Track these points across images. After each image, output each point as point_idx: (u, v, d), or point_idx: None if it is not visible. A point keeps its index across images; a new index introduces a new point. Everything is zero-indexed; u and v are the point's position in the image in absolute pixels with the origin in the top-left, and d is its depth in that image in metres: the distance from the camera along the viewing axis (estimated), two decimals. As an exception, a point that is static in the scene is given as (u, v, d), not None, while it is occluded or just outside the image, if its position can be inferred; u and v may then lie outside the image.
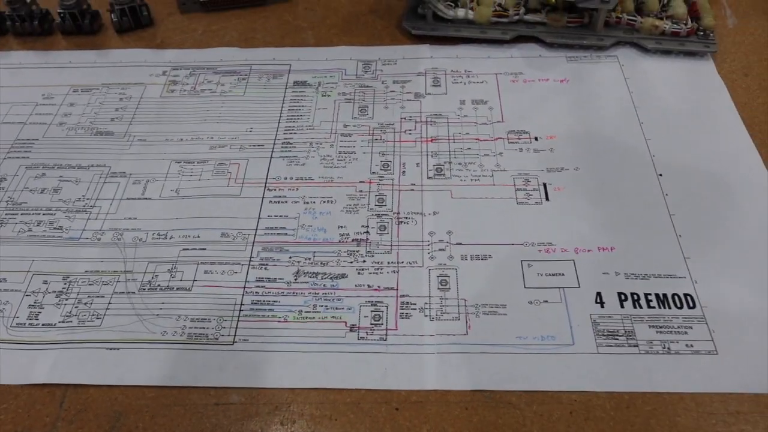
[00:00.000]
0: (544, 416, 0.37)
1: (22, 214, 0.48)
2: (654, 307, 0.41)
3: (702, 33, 0.57)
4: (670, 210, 0.46)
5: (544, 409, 0.37)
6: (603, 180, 0.48)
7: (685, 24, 0.56)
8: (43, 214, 0.48)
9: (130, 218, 0.47)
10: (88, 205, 0.48)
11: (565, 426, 0.36)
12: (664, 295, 0.41)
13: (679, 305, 0.41)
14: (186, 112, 0.55)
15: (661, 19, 0.57)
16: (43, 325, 0.42)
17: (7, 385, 0.39)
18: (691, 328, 0.40)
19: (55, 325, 0.42)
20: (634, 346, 0.39)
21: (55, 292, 0.43)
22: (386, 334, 0.40)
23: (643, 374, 0.38)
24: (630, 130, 0.51)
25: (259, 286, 0.43)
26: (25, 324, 0.42)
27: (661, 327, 0.40)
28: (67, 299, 0.43)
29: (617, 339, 0.39)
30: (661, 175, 0.48)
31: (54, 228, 0.47)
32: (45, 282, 0.44)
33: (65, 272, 0.44)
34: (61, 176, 0.50)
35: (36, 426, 0.37)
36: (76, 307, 0.42)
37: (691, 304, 0.41)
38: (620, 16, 0.57)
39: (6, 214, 0.48)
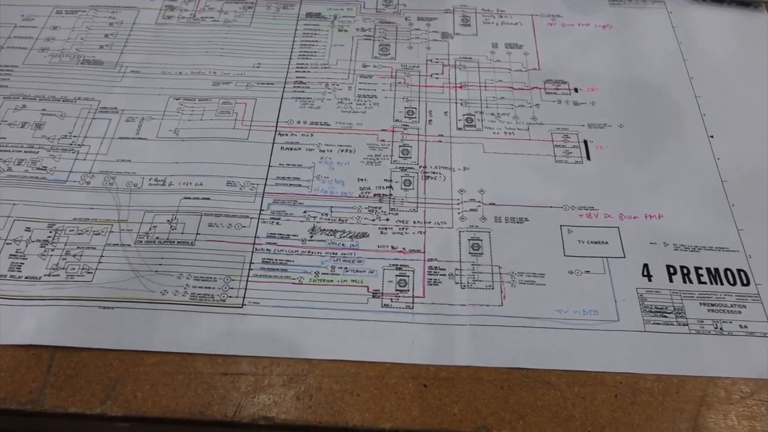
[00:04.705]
0: (587, 398, 0.33)
1: (0, 150, 0.42)
2: (705, 283, 0.37)
3: (758, -20, 0.52)
4: (721, 175, 0.42)
5: (587, 390, 0.34)
6: (649, 139, 0.43)
7: (741, -31, 0.51)
8: (25, 152, 0.42)
9: (123, 160, 0.42)
10: (76, 144, 0.43)
11: (610, 410, 0.33)
12: (716, 270, 0.38)
13: (731, 281, 0.37)
14: (185, 43, 0.49)
15: (716, -38, 0.51)
16: (26, 278, 0.37)
17: (-14, 344, 0.35)
18: (744, 307, 0.36)
19: (40, 278, 0.37)
20: (684, 325, 0.36)
21: (39, 240, 0.38)
22: (413, 302, 0.36)
23: (693, 356, 0.35)
24: (678, 84, 0.46)
25: (270, 243, 0.39)
26: (6, 276, 0.37)
27: (712, 305, 0.36)
28: (53, 250, 0.38)
29: (666, 317, 0.36)
30: (712, 136, 0.44)
31: (37, 168, 0.42)
32: (28, 229, 0.39)
33: (51, 219, 0.39)
34: (44, 109, 0.45)
35: (21, 392, 0.33)
36: (63, 259, 0.38)
37: (744, 281, 0.37)
38: (671, -44, 0.51)
39: (-18, 149, 0.42)
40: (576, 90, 0.46)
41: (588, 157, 0.43)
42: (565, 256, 0.38)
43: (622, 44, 0.49)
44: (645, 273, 0.38)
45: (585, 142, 0.43)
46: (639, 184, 0.41)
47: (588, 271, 0.37)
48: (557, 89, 0.46)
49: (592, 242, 0.39)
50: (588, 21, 0.50)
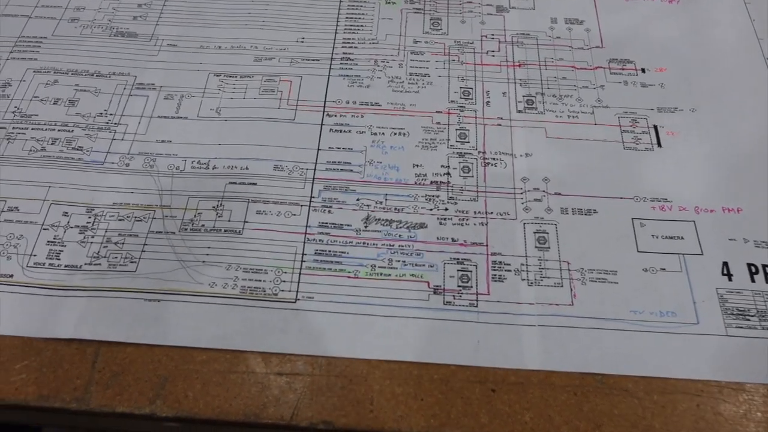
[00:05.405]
0: (667, 408, 0.31)
1: (33, 128, 0.40)
2: (789, 284, 0.35)
3: (838, -48, 0.48)
4: (803, 166, 0.39)
5: (667, 399, 0.31)
6: (724, 125, 0.41)
7: (820, -60, 0.47)
8: (59, 130, 0.40)
9: (163, 141, 0.40)
10: (112, 122, 0.40)
11: (692, 421, 0.31)
12: (801, 270, 0.35)
13: (818, 282, 0.35)
14: (223, 14, 0.46)
15: (793, -69, 0.47)
16: (66, 266, 0.35)
17: (27, 337, 0.33)
18: (833, 310, 0.34)
19: (80, 267, 0.35)
20: (769, 329, 0.33)
21: (78, 226, 0.36)
22: (477, 300, 0.34)
23: (780, 363, 0.32)
24: (753, 66, 0.43)
25: (322, 233, 0.36)
26: (44, 264, 0.35)
27: (799, 307, 0.34)
28: (93, 236, 0.36)
29: (749, 320, 0.34)
30: (792, 123, 0.41)
31: (73, 148, 0.39)
32: (65, 214, 0.37)
33: (89, 203, 0.37)
34: (77, 84, 0.42)
35: (65, 389, 0.32)
36: (105, 246, 0.36)
37: (832, 282, 0.35)
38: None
39: (14, 127, 0.40)
40: (643, 70, 0.43)
41: (659, 144, 0.40)
42: (638, 251, 0.36)
43: (690, 21, 0.46)
44: (725, 272, 0.35)
45: (655, 127, 0.40)
46: (715, 174, 0.39)
47: (664, 269, 0.35)
48: (623, 69, 0.43)
49: (666, 237, 0.36)
50: (654, -5, 0.47)
